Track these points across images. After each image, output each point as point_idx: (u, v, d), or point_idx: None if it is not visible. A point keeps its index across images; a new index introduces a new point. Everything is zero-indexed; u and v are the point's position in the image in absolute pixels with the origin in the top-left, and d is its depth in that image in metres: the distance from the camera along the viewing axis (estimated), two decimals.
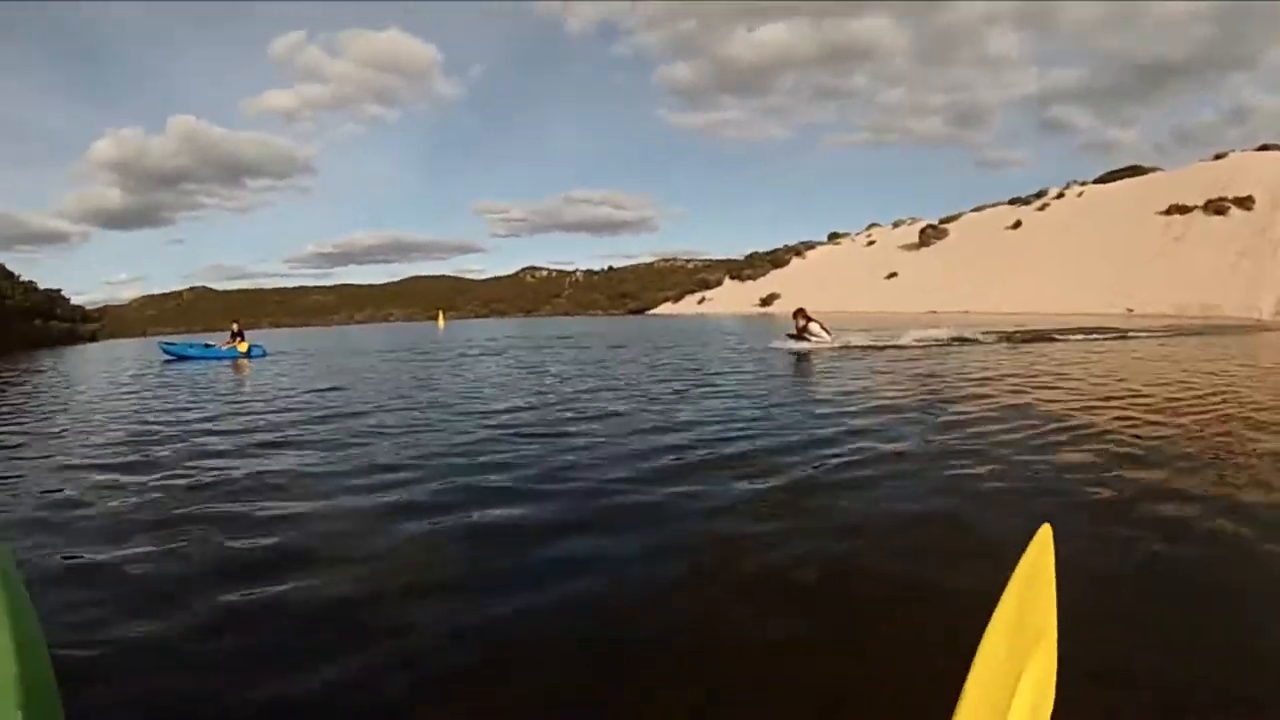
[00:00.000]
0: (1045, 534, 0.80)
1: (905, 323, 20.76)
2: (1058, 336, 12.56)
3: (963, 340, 11.97)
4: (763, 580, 2.18)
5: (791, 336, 11.14)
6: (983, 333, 13.12)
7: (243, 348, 16.27)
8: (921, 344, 11.35)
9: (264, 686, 1.65)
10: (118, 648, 1.83)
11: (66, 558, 2.58)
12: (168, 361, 15.97)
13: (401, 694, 1.62)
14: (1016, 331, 13.55)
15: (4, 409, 7.81)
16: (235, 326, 17.38)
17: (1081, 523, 2.61)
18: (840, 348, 10.66)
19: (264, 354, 16.76)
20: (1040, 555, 0.78)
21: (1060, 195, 47.20)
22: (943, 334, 12.29)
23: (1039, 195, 48.49)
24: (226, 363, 14.82)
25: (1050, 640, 0.76)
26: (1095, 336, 12.65)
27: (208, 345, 16.96)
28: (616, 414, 5.37)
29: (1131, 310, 30.73)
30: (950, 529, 2.63)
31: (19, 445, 5.25)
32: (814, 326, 10.93)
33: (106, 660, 1.76)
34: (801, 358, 9.81)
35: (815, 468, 3.53)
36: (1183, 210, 36.56)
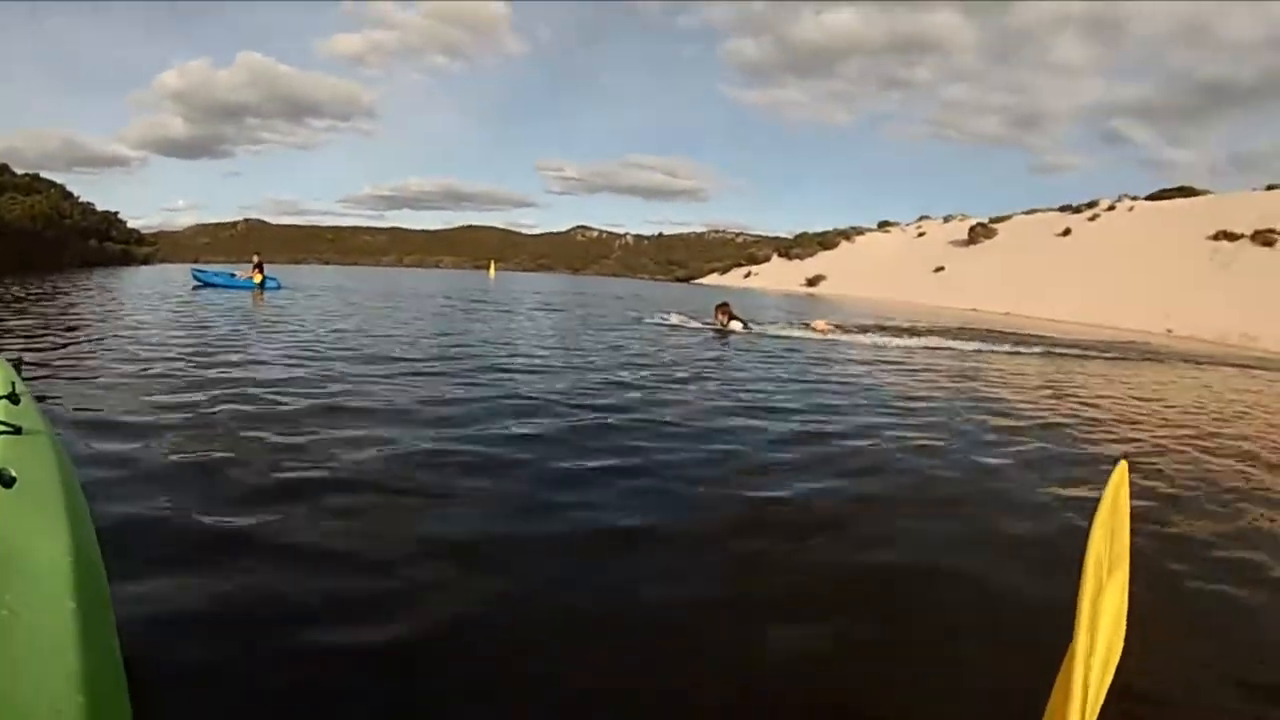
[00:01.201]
0: (1122, 469, 0.87)
1: (950, 318, 21.07)
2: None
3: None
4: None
5: (708, 324, 11.64)
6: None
7: (257, 278, 16.86)
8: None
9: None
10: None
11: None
12: (196, 287, 16.58)
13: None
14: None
15: (47, 322, 8.41)
16: (255, 258, 17.72)
17: None
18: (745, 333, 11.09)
19: (278, 287, 17.29)
20: (1119, 488, 0.85)
21: (1111, 208, 47.69)
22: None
23: (1090, 205, 48.99)
24: (245, 292, 15.50)
25: (1125, 566, 0.83)
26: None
27: (233, 275, 17.63)
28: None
29: (1171, 330, 31.05)
30: None
31: (51, 353, 5.92)
32: (735, 325, 11.22)
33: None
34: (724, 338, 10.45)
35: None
36: (1231, 237, 37.23)
